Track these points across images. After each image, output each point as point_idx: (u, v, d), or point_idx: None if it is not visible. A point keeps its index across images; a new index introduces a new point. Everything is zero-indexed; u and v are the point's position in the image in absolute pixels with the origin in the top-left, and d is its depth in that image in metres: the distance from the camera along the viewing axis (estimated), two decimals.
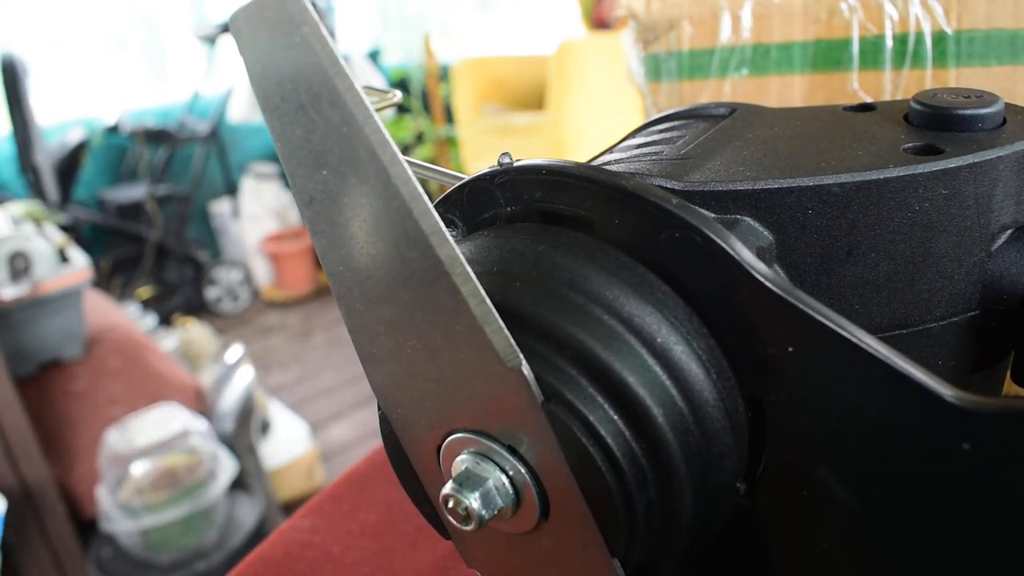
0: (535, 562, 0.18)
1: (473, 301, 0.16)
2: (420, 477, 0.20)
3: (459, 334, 0.17)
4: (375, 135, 0.16)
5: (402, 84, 2.93)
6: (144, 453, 1.19)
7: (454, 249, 0.16)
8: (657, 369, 0.17)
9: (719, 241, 0.17)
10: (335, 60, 0.16)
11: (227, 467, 1.24)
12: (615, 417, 0.16)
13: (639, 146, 0.26)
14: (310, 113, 0.17)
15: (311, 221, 0.18)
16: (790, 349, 0.16)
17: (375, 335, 0.19)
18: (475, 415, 0.17)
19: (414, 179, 0.16)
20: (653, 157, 0.24)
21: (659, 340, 0.17)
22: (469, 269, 0.16)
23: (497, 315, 0.16)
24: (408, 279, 0.17)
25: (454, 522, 0.17)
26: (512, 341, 0.16)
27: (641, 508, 0.17)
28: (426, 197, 0.16)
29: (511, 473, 0.17)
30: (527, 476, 0.17)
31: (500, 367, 0.16)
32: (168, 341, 1.98)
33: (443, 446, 0.18)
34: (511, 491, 0.17)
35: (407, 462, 0.20)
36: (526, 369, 0.16)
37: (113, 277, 2.62)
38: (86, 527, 1.28)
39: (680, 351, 0.17)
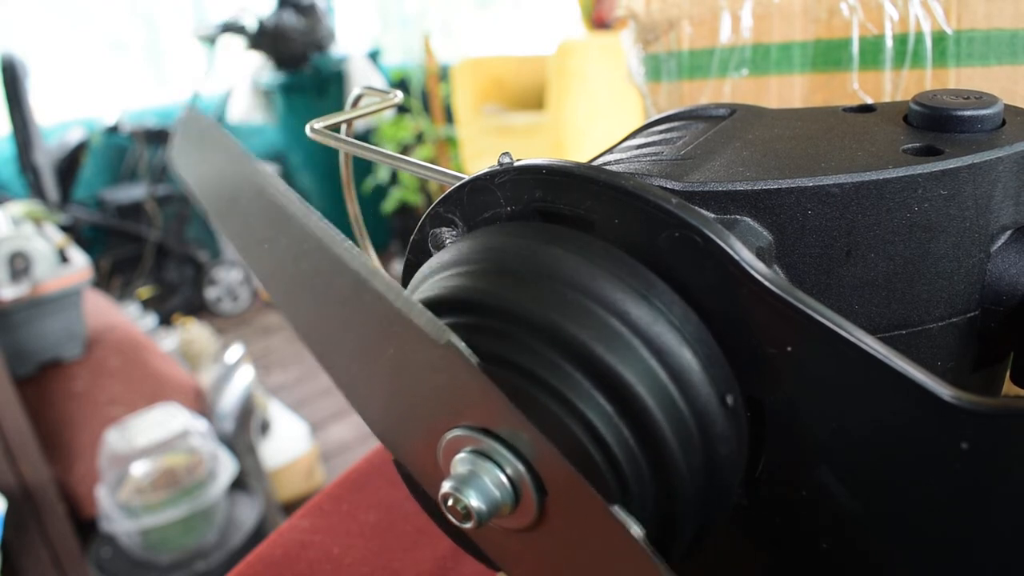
0: (569, 556, 0.18)
1: (392, 295, 0.17)
2: (432, 496, 0.20)
3: (399, 335, 0.17)
4: (279, 192, 0.18)
5: (402, 84, 2.93)
6: (144, 453, 1.19)
7: (361, 255, 0.17)
8: (656, 368, 0.17)
9: (719, 241, 0.17)
10: (240, 154, 0.19)
11: (227, 467, 1.24)
12: (611, 411, 0.16)
13: (639, 147, 0.26)
14: (240, 203, 0.19)
15: (275, 296, 0.20)
16: (789, 349, 0.16)
17: (350, 372, 0.20)
18: (452, 412, 0.17)
19: (317, 215, 0.18)
20: (653, 157, 0.24)
21: (659, 340, 0.17)
22: (376, 267, 0.17)
23: (416, 301, 0.17)
24: (346, 304, 0.18)
25: (455, 521, 0.17)
26: (436, 320, 0.16)
27: (631, 474, 0.17)
28: (326, 223, 0.18)
29: (505, 467, 0.17)
30: (520, 466, 0.17)
31: (438, 350, 0.16)
32: (168, 341, 1.98)
33: (439, 448, 0.18)
34: (507, 484, 0.17)
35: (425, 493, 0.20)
36: (454, 339, 0.16)
37: (113, 277, 2.62)
38: (86, 527, 1.28)
39: (680, 351, 0.17)
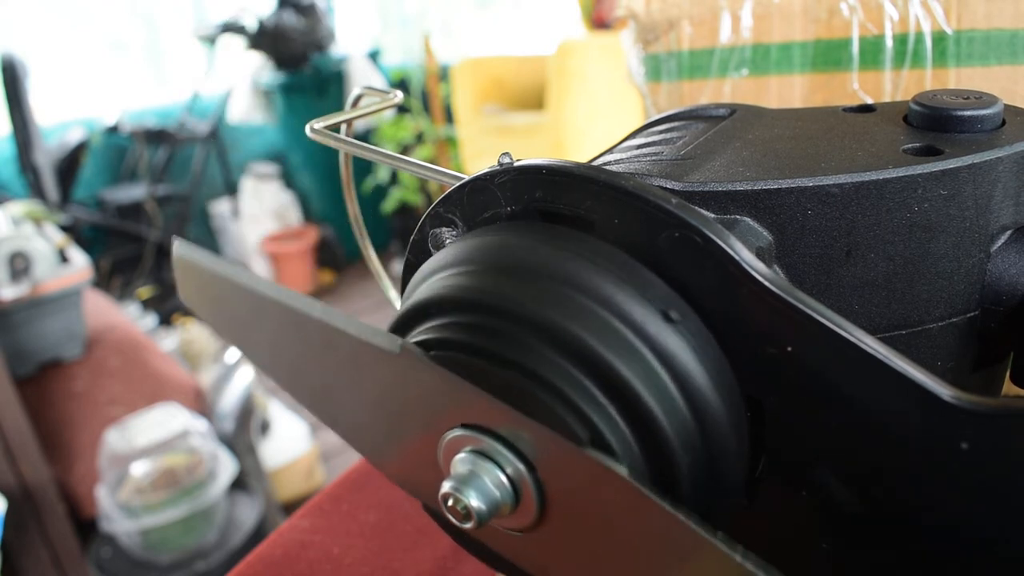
0: (591, 535, 0.17)
1: (348, 327, 0.18)
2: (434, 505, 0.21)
3: (368, 363, 0.18)
4: (248, 280, 0.20)
5: (402, 84, 2.92)
6: (144, 453, 1.19)
7: (319, 305, 0.18)
8: (658, 367, 0.17)
9: (719, 241, 0.17)
10: (219, 268, 0.21)
11: (227, 467, 1.24)
12: (612, 412, 0.17)
13: (639, 147, 0.26)
14: (230, 307, 0.21)
15: (278, 380, 0.22)
16: (789, 349, 0.16)
17: (355, 421, 0.21)
18: (441, 415, 0.18)
19: (286, 291, 0.19)
20: (653, 157, 0.24)
21: (659, 339, 0.17)
22: (326, 307, 0.18)
23: (368, 324, 0.17)
24: (322, 354, 0.19)
25: (455, 521, 0.17)
26: (387, 334, 0.17)
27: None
28: (289, 291, 0.19)
29: (505, 466, 0.17)
30: (520, 465, 0.17)
31: (397, 359, 0.17)
32: (168, 341, 1.98)
33: (440, 448, 0.18)
34: (507, 484, 0.17)
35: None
36: (407, 344, 0.17)
37: (113, 277, 2.62)
38: (86, 527, 1.28)
39: (680, 350, 0.17)
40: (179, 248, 0.22)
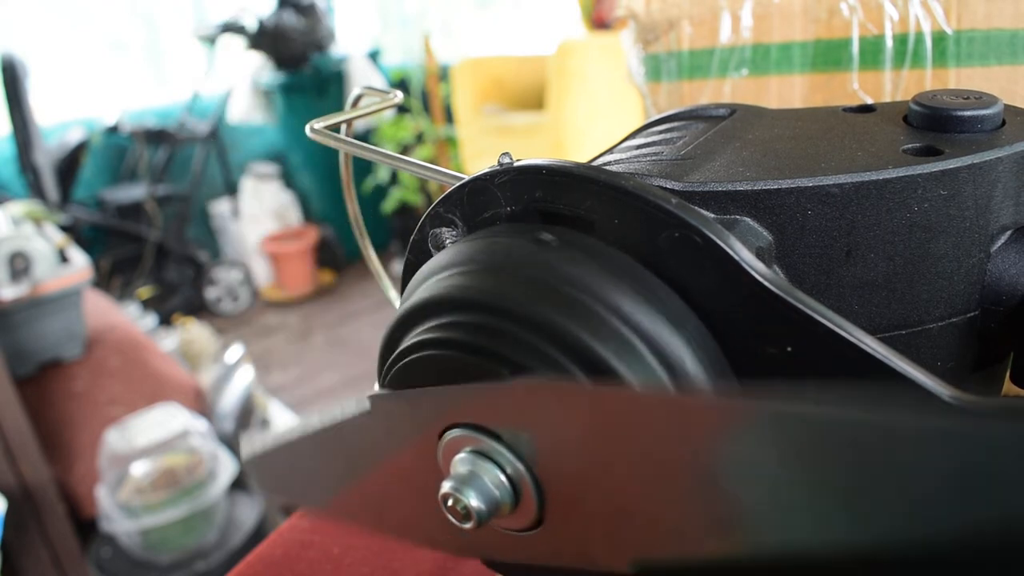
0: (599, 495, 0.17)
1: (337, 416, 0.19)
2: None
3: (368, 437, 0.19)
4: (297, 427, 0.21)
5: (402, 84, 2.92)
6: (144, 453, 1.19)
7: (327, 414, 0.19)
8: (657, 367, 0.17)
9: (718, 241, 0.17)
10: (276, 439, 0.21)
11: (227, 467, 1.24)
12: None
13: (639, 147, 0.26)
14: (298, 464, 0.22)
15: (357, 518, 0.23)
16: (789, 349, 0.16)
17: (400, 511, 0.21)
18: (419, 456, 0.18)
19: (315, 419, 0.20)
20: (653, 157, 0.24)
21: (659, 339, 0.17)
22: (327, 411, 0.19)
23: (339, 409, 0.18)
24: (352, 460, 0.20)
25: (455, 521, 0.17)
26: (354, 400, 0.18)
27: None
28: (314, 420, 0.20)
29: (505, 466, 0.17)
30: (520, 465, 0.17)
31: (373, 414, 0.18)
32: (168, 341, 1.98)
33: (441, 445, 0.18)
34: (507, 483, 0.17)
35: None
36: (369, 395, 0.18)
37: (113, 277, 2.62)
38: (86, 527, 1.28)
39: (680, 350, 0.17)
40: (246, 447, 0.22)
